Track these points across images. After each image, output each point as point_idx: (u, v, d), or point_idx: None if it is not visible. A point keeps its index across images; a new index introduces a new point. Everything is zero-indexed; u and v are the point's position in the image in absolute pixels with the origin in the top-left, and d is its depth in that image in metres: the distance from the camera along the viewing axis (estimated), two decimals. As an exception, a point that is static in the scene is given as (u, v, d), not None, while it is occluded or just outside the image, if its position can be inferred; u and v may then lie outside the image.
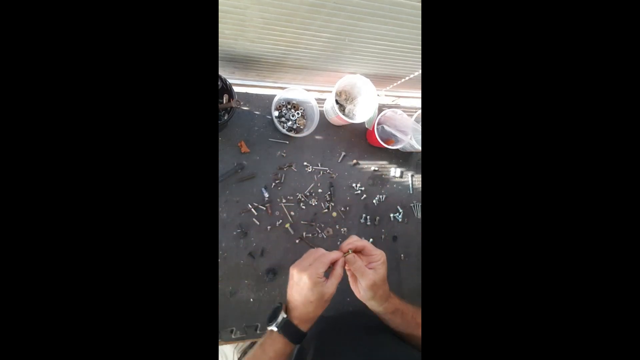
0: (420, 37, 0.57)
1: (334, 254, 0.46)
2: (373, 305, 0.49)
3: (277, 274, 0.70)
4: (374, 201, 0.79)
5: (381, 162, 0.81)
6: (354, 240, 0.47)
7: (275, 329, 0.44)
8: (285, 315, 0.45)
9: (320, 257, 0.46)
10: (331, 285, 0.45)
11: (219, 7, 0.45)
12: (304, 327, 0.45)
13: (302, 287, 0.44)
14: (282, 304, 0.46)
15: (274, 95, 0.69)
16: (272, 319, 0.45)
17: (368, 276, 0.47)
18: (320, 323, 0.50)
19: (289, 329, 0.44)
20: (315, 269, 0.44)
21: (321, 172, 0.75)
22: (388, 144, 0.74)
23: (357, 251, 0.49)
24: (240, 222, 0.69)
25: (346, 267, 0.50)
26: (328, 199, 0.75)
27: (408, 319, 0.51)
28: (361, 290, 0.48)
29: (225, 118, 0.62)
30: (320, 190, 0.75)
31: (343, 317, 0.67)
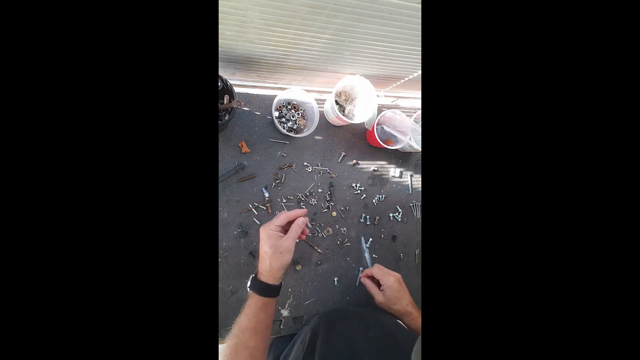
0: (420, 38, 0.57)
1: (292, 212, 0.52)
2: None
3: (277, 274, 0.70)
4: (374, 201, 0.79)
5: (381, 162, 0.81)
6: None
7: (248, 290, 0.50)
8: (253, 275, 0.51)
9: (278, 214, 0.52)
10: (286, 240, 0.50)
11: (220, 8, 0.45)
12: (268, 280, 0.50)
13: (261, 241, 0.51)
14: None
15: (275, 96, 0.69)
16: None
17: (376, 297, 0.62)
18: (327, 314, 0.59)
19: (255, 284, 0.50)
20: (270, 223, 0.51)
21: (321, 172, 0.76)
22: (387, 144, 0.74)
23: (368, 275, 0.66)
24: (241, 222, 0.69)
25: (361, 278, 0.67)
26: (328, 198, 0.75)
27: (415, 321, 0.61)
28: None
29: (226, 118, 0.62)
30: (320, 190, 0.75)
31: (346, 309, 0.72)
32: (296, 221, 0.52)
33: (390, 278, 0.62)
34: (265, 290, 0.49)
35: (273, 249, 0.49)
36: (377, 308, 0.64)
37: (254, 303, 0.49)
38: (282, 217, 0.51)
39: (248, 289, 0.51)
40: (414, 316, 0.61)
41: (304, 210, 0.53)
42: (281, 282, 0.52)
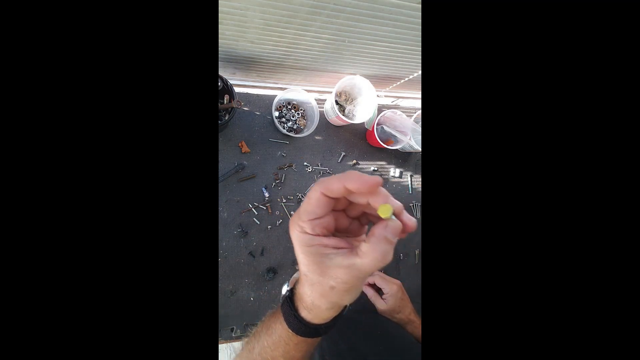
0: (420, 38, 0.57)
1: (358, 180, 0.21)
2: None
3: (277, 273, 0.70)
4: (374, 201, 0.79)
5: (380, 162, 0.81)
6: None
7: (280, 309, 0.30)
8: (289, 287, 0.31)
9: (323, 181, 0.22)
10: (355, 265, 0.22)
11: (220, 8, 0.46)
12: (311, 318, 0.27)
13: (294, 247, 0.24)
14: None
15: (275, 96, 0.69)
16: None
17: (379, 307, 0.59)
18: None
19: (289, 315, 0.28)
20: (303, 210, 0.23)
21: (321, 172, 0.76)
22: (387, 144, 0.74)
23: (369, 284, 0.62)
24: (241, 222, 0.69)
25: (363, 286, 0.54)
26: (328, 199, 0.75)
27: (417, 330, 0.60)
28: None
29: (226, 118, 0.62)
30: (320, 190, 0.75)
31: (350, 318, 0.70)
32: (381, 225, 0.22)
33: (393, 286, 0.61)
34: (302, 330, 0.28)
35: (316, 273, 0.23)
36: (379, 316, 0.64)
37: (285, 336, 0.29)
38: (324, 198, 0.22)
39: (280, 308, 0.29)
40: (416, 324, 0.60)
41: (378, 180, 0.21)
42: (333, 322, 0.28)
